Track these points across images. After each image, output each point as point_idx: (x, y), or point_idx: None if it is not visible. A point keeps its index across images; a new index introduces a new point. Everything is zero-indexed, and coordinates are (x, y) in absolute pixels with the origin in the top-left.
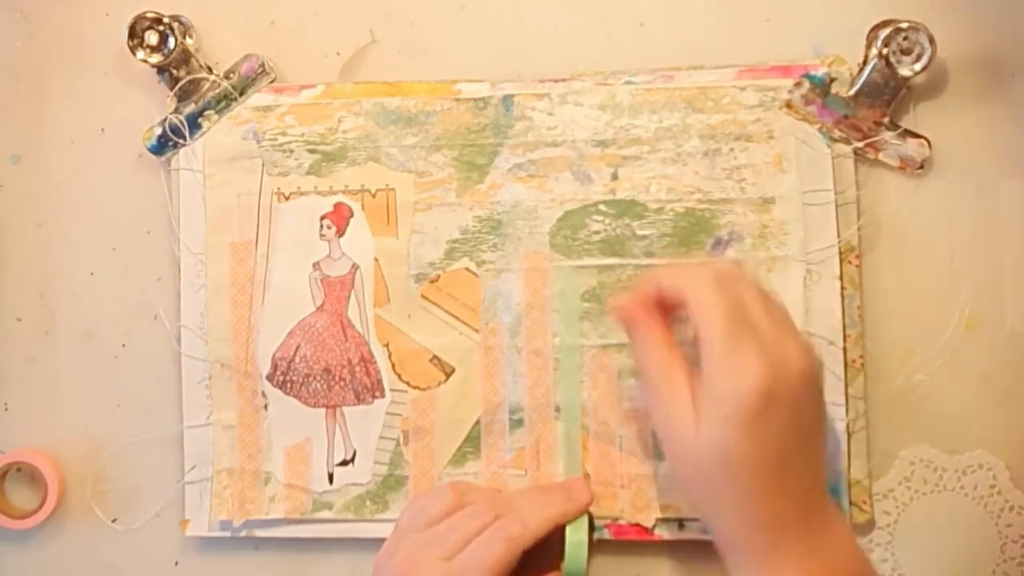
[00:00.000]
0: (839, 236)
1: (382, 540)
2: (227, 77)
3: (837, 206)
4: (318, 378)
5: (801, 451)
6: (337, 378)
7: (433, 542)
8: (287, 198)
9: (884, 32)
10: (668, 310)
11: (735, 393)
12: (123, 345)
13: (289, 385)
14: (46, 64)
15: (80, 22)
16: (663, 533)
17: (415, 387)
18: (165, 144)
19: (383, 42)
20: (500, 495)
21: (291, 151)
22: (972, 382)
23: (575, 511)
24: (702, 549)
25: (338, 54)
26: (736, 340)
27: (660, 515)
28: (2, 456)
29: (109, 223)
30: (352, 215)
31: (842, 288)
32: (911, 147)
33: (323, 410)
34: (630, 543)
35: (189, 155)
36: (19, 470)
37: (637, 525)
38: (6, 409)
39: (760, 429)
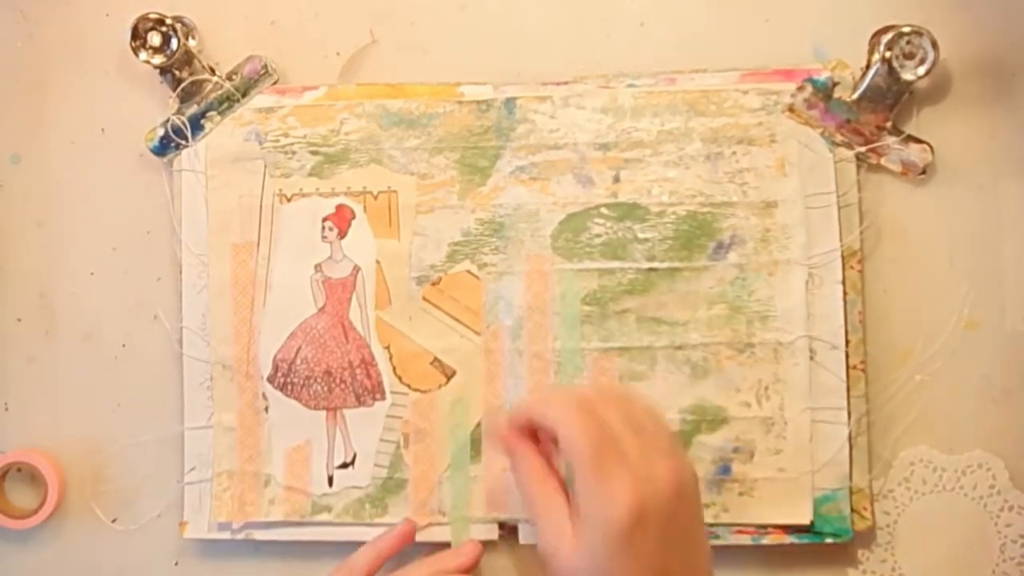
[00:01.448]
0: (841, 240)
1: None
2: (229, 78)
3: (839, 210)
4: (319, 380)
5: (681, 562)
6: (338, 380)
7: None
8: (289, 199)
9: (887, 37)
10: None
11: (606, 519)
12: (123, 345)
13: (290, 387)
14: (46, 64)
15: (80, 22)
16: None
17: (416, 389)
18: (167, 145)
19: (383, 42)
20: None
21: (293, 152)
22: (972, 382)
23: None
24: None
25: (338, 54)
26: (601, 466)
27: None
28: (2, 456)
29: (109, 223)
30: (354, 217)
31: (844, 292)
32: (913, 152)
33: (324, 412)
34: None
35: (191, 156)
36: (19, 470)
37: None
38: (6, 409)
39: (634, 549)
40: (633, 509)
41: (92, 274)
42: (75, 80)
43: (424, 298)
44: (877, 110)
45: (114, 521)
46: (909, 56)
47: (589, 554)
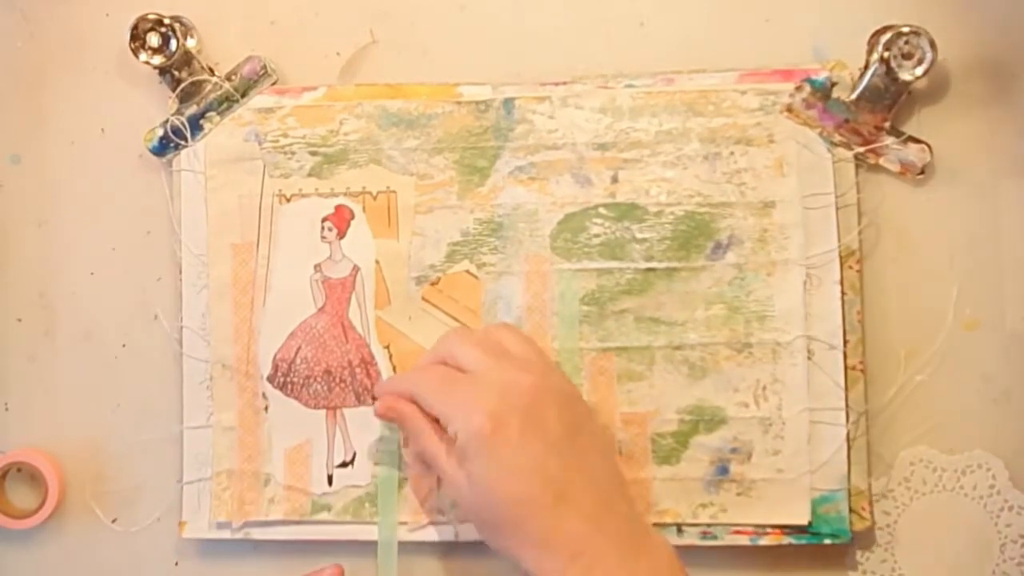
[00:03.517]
0: (839, 240)
1: None
2: (229, 79)
3: (837, 210)
4: (319, 380)
5: (562, 464)
6: (338, 380)
7: None
8: (288, 200)
9: (885, 37)
10: None
11: (464, 430)
12: (123, 345)
13: (290, 386)
14: (46, 64)
15: (80, 22)
16: None
17: None
18: (167, 145)
19: (383, 42)
20: None
21: (292, 153)
22: (972, 382)
23: None
24: (700, 555)
25: (338, 54)
26: (450, 391)
27: (658, 520)
28: (2, 456)
29: (109, 223)
30: (353, 217)
31: (842, 293)
32: (912, 152)
33: (323, 412)
34: None
35: (191, 156)
36: (19, 470)
37: None
38: (6, 409)
39: (497, 450)
40: (485, 415)
41: (92, 274)
42: (75, 80)
43: (423, 298)
44: (875, 110)
45: (114, 521)
46: (907, 56)
47: (461, 463)
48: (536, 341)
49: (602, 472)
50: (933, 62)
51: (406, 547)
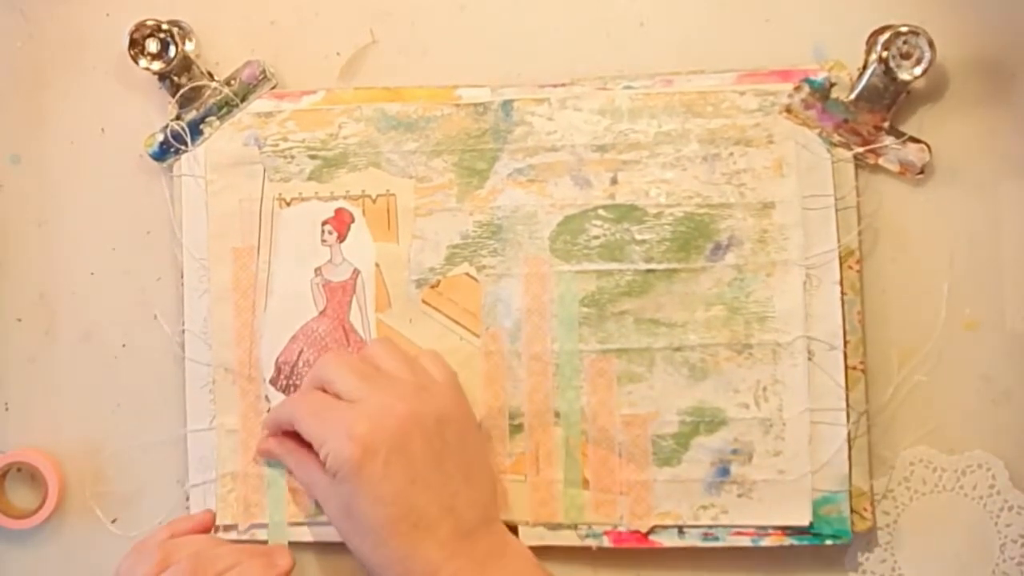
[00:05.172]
0: (839, 241)
1: None
2: (228, 83)
3: (837, 211)
4: None
5: (430, 489)
6: None
7: None
8: (288, 204)
9: (883, 37)
10: None
11: (334, 457)
12: (123, 345)
13: (292, 389)
14: (46, 64)
15: (80, 22)
16: (662, 540)
17: None
18: (167, 150)
19: (383, 42)
20: (204, 552)
21: (292, 157)
22: (972, 382)
23: None
24: (702, 556)
25: (338, 54)
26: (321, 420)
27: (659, 522)
28: (2, 456)
29: (109, 223)
30: (353, 220)
31: (842, 293)
32: (911, 152)
33: None
34: (629, 551)
35: (191, 161)
36: (19, 470)
37: (636, 532)
38: (6, 409)
39: (366, 474)
40: (354, 443)
41: (92, 274)
42: (75, 80)
43: (423, 301)
44: (875, 110)
45: (114, 522)
46: (906, 56)
47: (330, 484)
48: (408, 351)
49: (464, 496)
50: (932, 62)
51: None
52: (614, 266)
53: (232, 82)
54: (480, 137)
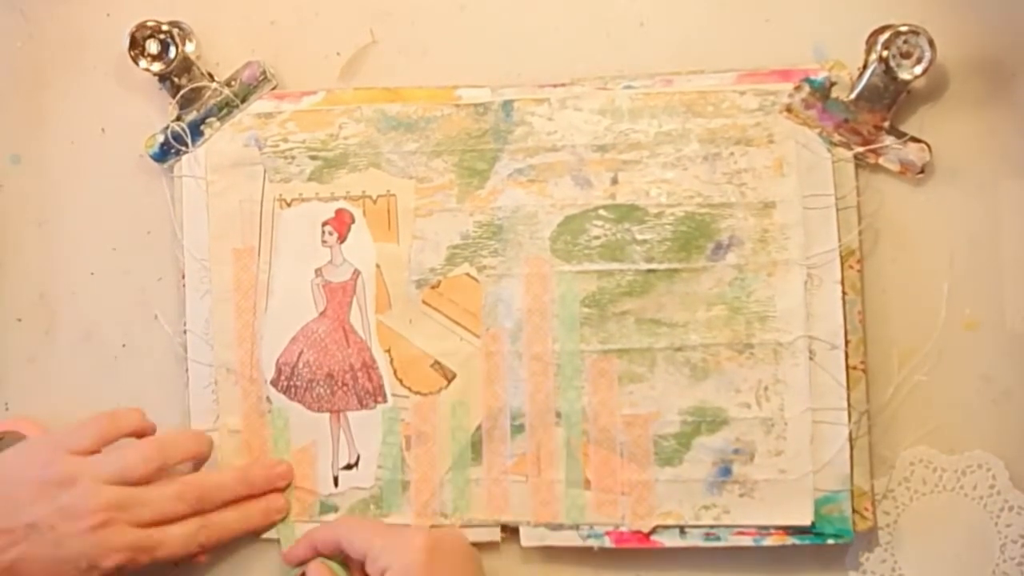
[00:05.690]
0: (839, 240)
1: None
2: (228, 84)
3: (837, 210)
4: (321, 383)
5: None
6: (340, 383)
7: (128, 502)
8: (289, 204)
9: (884, 36)
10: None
11: (402, 563)
12: (123, 345)
13: (293, 390)
14: (46, 64)
15: (80, 22)
16: (664, 540)
17: (417, 392)
18: (167, 151)
19: (383, 42)
20: (204, 479)
21: (292, 157)
22: (972, 382)
23: (269, 524)
24: (703, 556)
25: (338, 54)
26: (378, 532)
27: (661, 522)
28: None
29: (109, 223)
30: (353, 221)
31: (843, 292)
32: (912, 152)
33: (327, 415)
34: (630, 551)
35: (191, 162)
36: None
37: (638, 532)
38: (6, 409)
39: None
40: (420, 549)
41: (92, 274)
42: (75, 80)
43: (424, 301)
44: (875, 110)
45: None
46: (906, 55)
47: None
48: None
49: None
50: (932, 61)
51: None
52: (615, 266)
53: (232, 83)
54: (480, 137)
